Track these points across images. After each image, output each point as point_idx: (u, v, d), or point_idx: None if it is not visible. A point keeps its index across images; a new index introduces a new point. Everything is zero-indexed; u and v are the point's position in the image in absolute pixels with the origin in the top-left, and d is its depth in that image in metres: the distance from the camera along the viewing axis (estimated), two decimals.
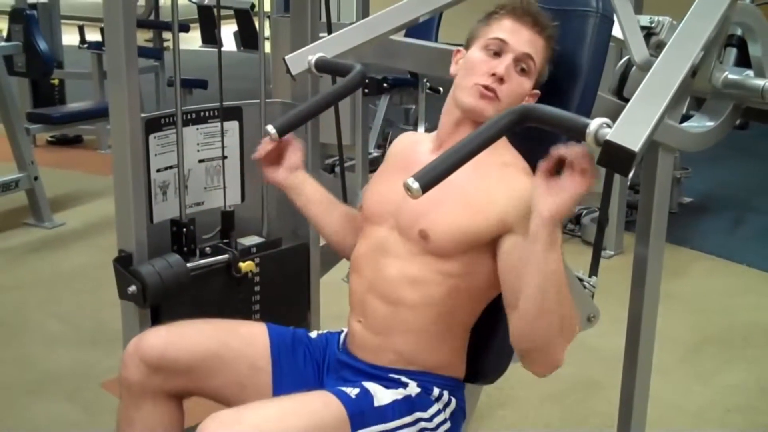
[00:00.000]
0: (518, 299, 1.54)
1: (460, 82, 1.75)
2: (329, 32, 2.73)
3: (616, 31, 1.86)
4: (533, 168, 1.54)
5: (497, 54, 1.71)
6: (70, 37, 6.52)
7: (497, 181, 1.68)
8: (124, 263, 2.10)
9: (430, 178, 1.40)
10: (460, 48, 1.82)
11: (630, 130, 1.36)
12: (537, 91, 1.74)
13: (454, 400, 1.77)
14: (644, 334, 2.13)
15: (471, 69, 1.73)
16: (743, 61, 2.06)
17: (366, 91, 4.59)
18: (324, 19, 3.18)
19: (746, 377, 3.24)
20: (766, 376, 3.25)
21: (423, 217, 1.69)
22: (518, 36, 1.70)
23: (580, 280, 2.23)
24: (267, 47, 2.62)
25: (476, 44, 1.75)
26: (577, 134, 1.40)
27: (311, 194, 2.00)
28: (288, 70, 2.10)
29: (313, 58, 2.04)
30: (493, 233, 1.65)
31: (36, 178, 4.75)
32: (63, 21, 6.35)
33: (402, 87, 5.64)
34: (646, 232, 2.08)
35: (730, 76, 1.99)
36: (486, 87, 1.69)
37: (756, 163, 6.06)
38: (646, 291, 2.11)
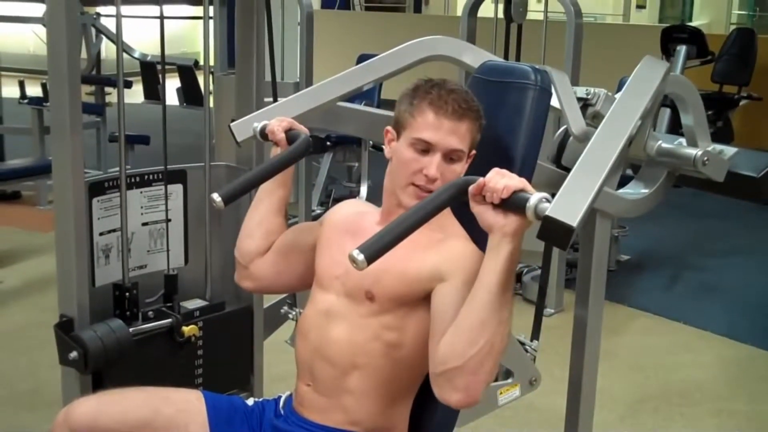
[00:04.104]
0: (452, 324, 1.55)
1: (396, 177, 1.77)
2: (274, 94, 2.75)
3: (555, 101, 1.92)
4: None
5: (425, 152, 1.72)
6: (9, 89, 6.45)
7: (436, 245, 1.72)
8: (65, 328, 2.08)
9: (375, 250, 1.43)
10: (389, 129, 1.82)
11: (568, 205, 1.40)
12: (473, 152, 1.76)
13: None
14: (585, 393, 2.17)
15: (404, 167, 1.74)
16: (678, 121, 2.12)
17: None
18: (269, 77, 3.20)
19: None
20: None
21: (368, 278, 1.71)
22: (441, 132, 1.70)
23: (522, 343, 2.26)
24: (211, 102, 2.64)
25: (404, 138, 1.75)
26: (518, 208, 1.44)
27: (277, 190, 1.98)
28: (233, 137, 2.12)
29: (258, 126, 2.05)
30: (426, 286, 1.68)
31: None
32: (2, 73, 6.27)
33: (345, 145, 5.70)
34: (586, 293, 2.13)
35: (664, 145, 2.05)
36: (422, 188, 1.71)
37: (691, 220, 6.18)
38: (586, 351, 2.15)
